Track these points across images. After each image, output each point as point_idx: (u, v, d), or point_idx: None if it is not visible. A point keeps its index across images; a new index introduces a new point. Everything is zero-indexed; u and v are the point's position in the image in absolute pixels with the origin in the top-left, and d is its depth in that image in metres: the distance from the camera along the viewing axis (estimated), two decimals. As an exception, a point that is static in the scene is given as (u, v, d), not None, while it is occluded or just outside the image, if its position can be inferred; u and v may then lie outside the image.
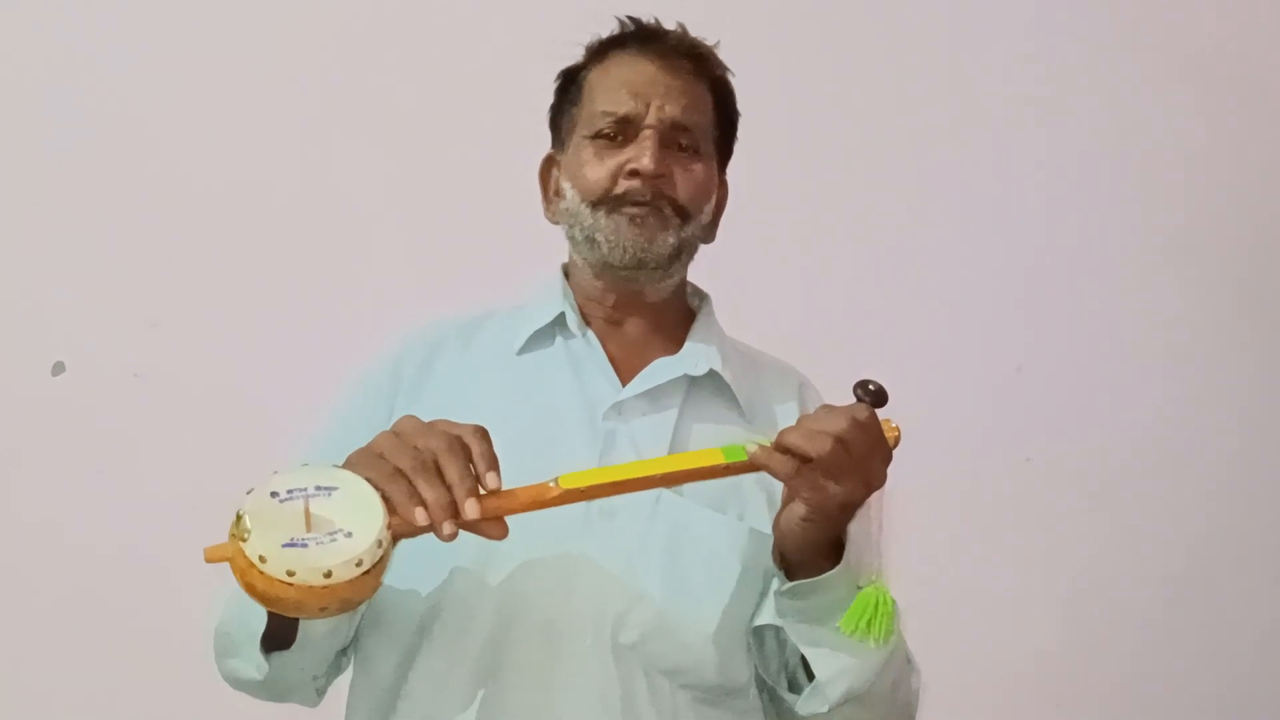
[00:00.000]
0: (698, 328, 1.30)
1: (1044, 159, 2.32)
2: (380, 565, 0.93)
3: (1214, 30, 2.35)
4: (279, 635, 1.09)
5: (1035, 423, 2.29)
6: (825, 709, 1.11)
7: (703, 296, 1.35)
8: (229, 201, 2.14)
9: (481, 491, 0.97)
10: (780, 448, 1.02)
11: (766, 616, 1.14)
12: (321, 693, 1.21)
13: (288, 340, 2.11)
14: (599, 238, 1.23)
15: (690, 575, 1.16)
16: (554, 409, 1.22)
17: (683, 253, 1.26)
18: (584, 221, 1.24)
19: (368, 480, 0.96)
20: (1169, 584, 2.30)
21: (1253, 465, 2.34)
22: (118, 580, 2.06)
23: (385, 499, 0.95)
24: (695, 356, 1.26)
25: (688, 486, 1.17)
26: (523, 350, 1.26)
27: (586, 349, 1.26)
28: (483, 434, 0.99)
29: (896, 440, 1.05)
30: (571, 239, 1.28)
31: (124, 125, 2.14)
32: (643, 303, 1.28)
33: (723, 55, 1.30)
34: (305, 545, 0.90)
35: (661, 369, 1.24)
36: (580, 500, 1.03)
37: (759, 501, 1.20)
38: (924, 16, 2.32)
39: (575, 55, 1.32)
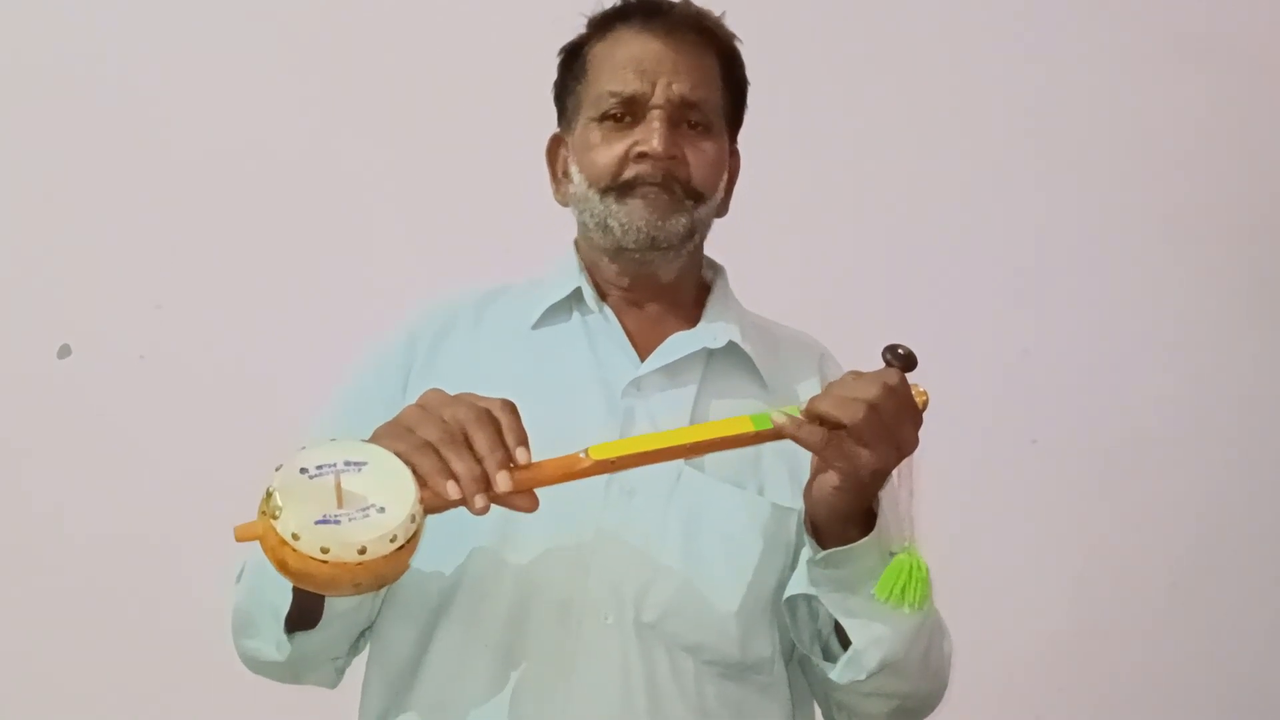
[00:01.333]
0: (714, 300, 1.28)
1: (1050, 140, 2.31)
2: (413, 540, 0.92)
3: (1215, 9, 2.35)
4: (302, 614, 1.07)
5: (1042, 404, 2.29)
6: (863, 676, 1.10)
7: (717, 269, 1.33)
8: (234, 183, 2.13)
9: (511, 465, 0.96)
10: (811, 416, 1.01)
11: (798, 586, 1.13)
12: (341, 673, 1.20)
13: (292, 321, 2.10)
14: (611, 223, 1.20)
15: (711, 552, 1.15)
16: (571, 386, 1.20)
17: (695, 232, 1.24)
18: (594, 208, 1.22)
19: (396, 454, 0.94)
20: (1175, 566, 2.30)
21: (1260, 448, 2.33)
22: (125, 560, 2.06)
23: (415, 472, 0.94)
24: (713, 329, 1.24)
25: (708, 462, 1.16)
26: (538, 325, 1.24)
27: (604, 324, 1.24)
28: (511, 408, 0.98)
29: (925, 404, 1.05)
30: (582, 224, 1.26)
31: (128, 111, 2.13)
32: (657, 282, 1.26)
33: (731, 26, 1.26)
34: (338, 521, 0.89)
35: (679, 343, 1.22)
36: (610, 471, 1.02)
37: (780, 475, 1.19)
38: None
39: (578, 31, 1.28)
